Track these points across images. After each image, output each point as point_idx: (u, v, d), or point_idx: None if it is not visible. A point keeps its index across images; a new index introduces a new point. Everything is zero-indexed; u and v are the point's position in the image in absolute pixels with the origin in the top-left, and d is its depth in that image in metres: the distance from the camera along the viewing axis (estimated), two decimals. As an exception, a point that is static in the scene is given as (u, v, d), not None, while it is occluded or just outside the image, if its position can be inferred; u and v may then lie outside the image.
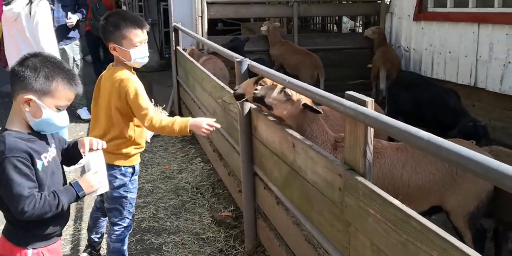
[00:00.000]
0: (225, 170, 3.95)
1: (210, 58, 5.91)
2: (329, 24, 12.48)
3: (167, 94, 7.29)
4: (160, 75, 9.62)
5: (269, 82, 2.80)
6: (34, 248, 1.90)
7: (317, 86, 4.25)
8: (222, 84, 3.79)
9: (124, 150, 2.72)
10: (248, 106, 3.04)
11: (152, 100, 2.77)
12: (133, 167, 2.79)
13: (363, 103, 1.83)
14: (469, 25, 5.57)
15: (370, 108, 1.81)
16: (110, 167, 2.62)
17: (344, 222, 1.96)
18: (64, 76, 1.87)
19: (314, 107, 2.59)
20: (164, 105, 4.27)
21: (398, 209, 1.60)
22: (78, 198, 1.93)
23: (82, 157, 2.05)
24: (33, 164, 1.83)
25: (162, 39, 10.78)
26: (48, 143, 1.96)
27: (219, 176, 4.35)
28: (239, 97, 2.90)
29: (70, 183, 1.93)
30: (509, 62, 5.01)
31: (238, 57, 3.18)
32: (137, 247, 3.39)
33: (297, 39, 6.93)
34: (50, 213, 1.83)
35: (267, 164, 2.85)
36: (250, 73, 3.04)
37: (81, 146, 2.07)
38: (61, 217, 1.98)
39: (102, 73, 2.82)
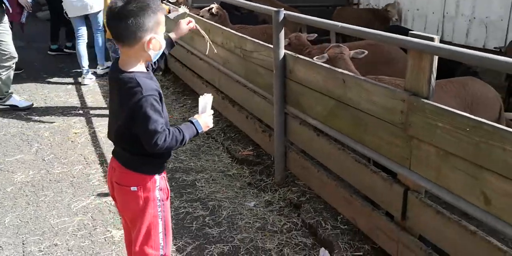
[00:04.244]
0: (240, 115, 4.28)
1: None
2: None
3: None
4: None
5: None
6: (159, 174, 2.15)
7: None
8: (240, 34, 4.06)
9: None
10: (283, 52, 3.38)
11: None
12: None
13: (430, 39, 2.25)
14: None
15: (437, 42, 2.24)
16: None
17: (405, 138, 2.40)
18: (156, 5, 1.98)
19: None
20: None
21: (469, 118, 2.04)
22: (197, 134, 2.16)
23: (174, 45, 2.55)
24: (161, 101, 2.02)
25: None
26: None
27: (227, 122, 4.68)
28: None
29: (191, 121, 2.14)
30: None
31: (273, 8, 3.49)
32: (172, 184, 3.69)
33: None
34: (175, 147, 2.05)
35: (304, 102, 3.23)
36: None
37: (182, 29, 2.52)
38: None
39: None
